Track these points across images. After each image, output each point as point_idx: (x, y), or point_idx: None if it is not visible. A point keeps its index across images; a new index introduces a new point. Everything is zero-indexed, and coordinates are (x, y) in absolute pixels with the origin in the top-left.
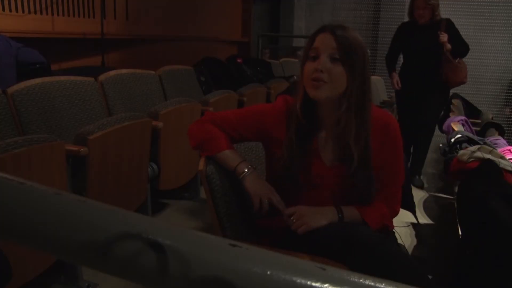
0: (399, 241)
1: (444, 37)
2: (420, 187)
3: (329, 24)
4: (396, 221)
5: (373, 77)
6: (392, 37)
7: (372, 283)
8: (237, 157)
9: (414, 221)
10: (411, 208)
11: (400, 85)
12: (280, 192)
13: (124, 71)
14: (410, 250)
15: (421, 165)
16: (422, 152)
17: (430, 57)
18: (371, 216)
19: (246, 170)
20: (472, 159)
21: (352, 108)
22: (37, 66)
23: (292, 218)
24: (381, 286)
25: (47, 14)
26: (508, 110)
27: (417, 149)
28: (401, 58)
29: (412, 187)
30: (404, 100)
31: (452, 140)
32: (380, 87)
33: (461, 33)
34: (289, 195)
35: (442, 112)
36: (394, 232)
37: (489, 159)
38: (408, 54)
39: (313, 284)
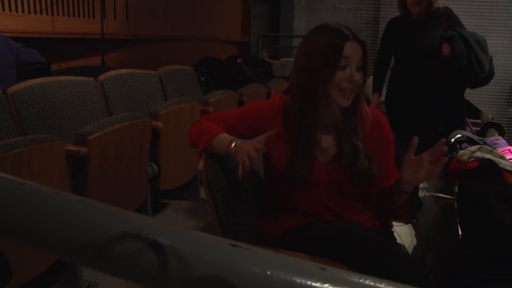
0: (399, 241)
1: (446, 49)
2: (419, 207)
3: (350, 30)
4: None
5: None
6: (381, 38)
7: (372, 283)
8: (229, 138)
9: (414, 221)
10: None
11: (383, 106)
12: (278, 190)
13: (124, 71)
14: (410, 250)
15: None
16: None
17: (429, 57)
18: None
19: (234, 145)
20: (472, 159)
21: (357, 102)
22: (37, 66)
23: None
24: (381, 286)
25: (47, 14)
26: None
27: None
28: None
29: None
30: (401, 121)
31: (452, 140)
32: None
33: None
34: (287, 192)
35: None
36: (393, 232)
37: (489, 159)
38: (400, 57)
39: (313, 284)
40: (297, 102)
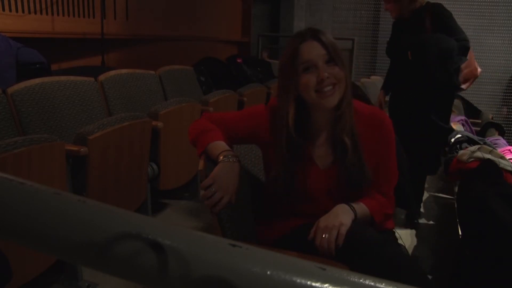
0: (399, 241)
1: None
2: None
3: (303, 32)
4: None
5: (373, 77)
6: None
7: (372, 283)
8: (225, 147)
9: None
10: (410, 207)
11: (383, 106)
12: (278, 201)
13: (124, 71)
14: (410, 250)
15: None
16: (419, 192)
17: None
18: (373, 207)
19: (222, 158)
20: (472, 159)
21: (350, 102)
22: (37, 66)
23: (318, 242)
24: (381, 286)
25: (47, 14)
26: (506, 109)
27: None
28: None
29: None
30: (399, 122)
31: (452, 140)
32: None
33: None
34: (287, 203)
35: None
36: (394, 232)
37: (489, 159)
38: (393, 61)
39: (313, 284)
40: (289, 121)
